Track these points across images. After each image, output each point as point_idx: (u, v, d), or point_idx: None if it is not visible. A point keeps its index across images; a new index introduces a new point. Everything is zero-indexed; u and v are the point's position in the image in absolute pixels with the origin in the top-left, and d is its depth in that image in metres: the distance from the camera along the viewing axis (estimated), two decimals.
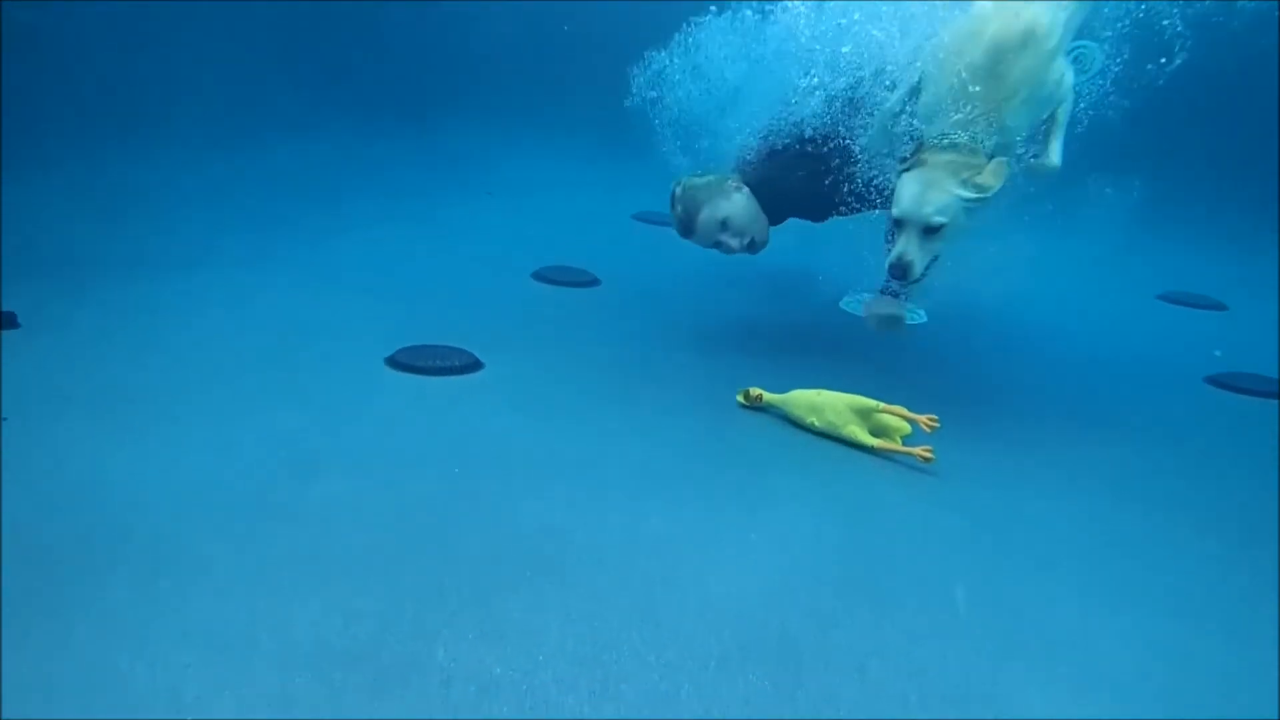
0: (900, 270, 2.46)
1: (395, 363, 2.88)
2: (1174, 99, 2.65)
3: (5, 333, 2.81)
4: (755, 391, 2.75)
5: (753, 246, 3.07)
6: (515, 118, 5.97)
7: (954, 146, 2.41)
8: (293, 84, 5.50)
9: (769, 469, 2.45)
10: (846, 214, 2.92)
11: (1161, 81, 2.54)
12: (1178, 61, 2.51)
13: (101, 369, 2.71)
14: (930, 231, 2.42)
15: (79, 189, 4.21)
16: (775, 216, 3.15)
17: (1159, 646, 1.83)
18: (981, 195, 2.38)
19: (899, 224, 2.46)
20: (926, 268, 2.52)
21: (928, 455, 2.44)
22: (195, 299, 3.36)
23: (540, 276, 3.90)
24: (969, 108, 2.39)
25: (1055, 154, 2.42)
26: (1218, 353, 3.24)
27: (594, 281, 3.91)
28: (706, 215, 2.98)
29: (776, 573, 1.96)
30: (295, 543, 1.94)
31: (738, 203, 3.01)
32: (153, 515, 2.00)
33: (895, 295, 2.79)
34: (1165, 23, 2.49)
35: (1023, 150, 2.53)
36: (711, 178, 3.04)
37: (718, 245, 3.06)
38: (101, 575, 1.78)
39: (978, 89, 2.37)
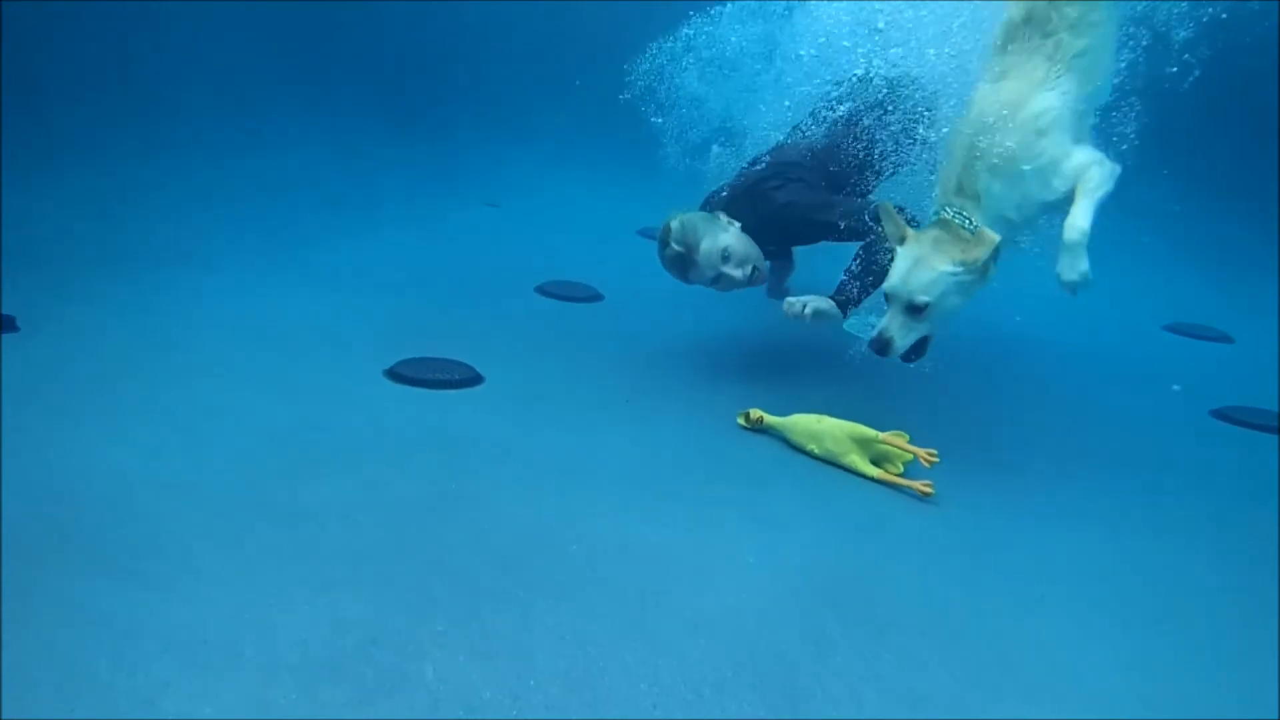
0: (880, 346, 2.42)
1: (395, 375, 2.86)
2: (1181, 130, 2.64)
3: (5, 335, 2.79)
4: (756, 413, 2.72)
5: (755, 277, 3.00)
6: (522, 129, 5.98)
7: (943, 223, 2.40)
8: (298, 88, 5.52)
9: (767, 488, 2.42)
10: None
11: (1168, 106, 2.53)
12: (1195, 73, 2.49)
13: (95, 367, 2.70)
14: (915, 310, 2.38)
15: (78, 188, 4.20)
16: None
17: (1158, 677, 1.79)
18: (970, 268, 2.34)
19: (886, 299, 2.45)
20: (922, 346, 2.50)
21: (928, 490, 2.40)
22: (194, 300, 3.35)
23: (543, 291, 3.89)
24: (955, 184, 2.40)
25: (1072, 225, 2.28)
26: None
27: (597, 297, 3.90)
28: (708, 246, 2.89)
29: (773, 592, 1.93)
30: (284, 547, 1.92)
31: (734, 234, 2.96)
32: (141, 515, 1.98)
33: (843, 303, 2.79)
34: (1175, 35, 2.49)
35: (1026, 234, 2.51)
36: (699, 214, 2.99)
37: (718, 280, 2.96)
38: (87, 577, 1.75)
39: (959, 165, 2.40)
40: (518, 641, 1.69)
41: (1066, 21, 2.36)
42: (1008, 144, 2.35)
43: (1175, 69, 2.54)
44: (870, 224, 2.72)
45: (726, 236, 2.92)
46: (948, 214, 2.40)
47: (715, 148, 3.27)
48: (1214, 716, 1.70)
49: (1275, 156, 4.46)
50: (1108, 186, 2.36)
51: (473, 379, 2.90)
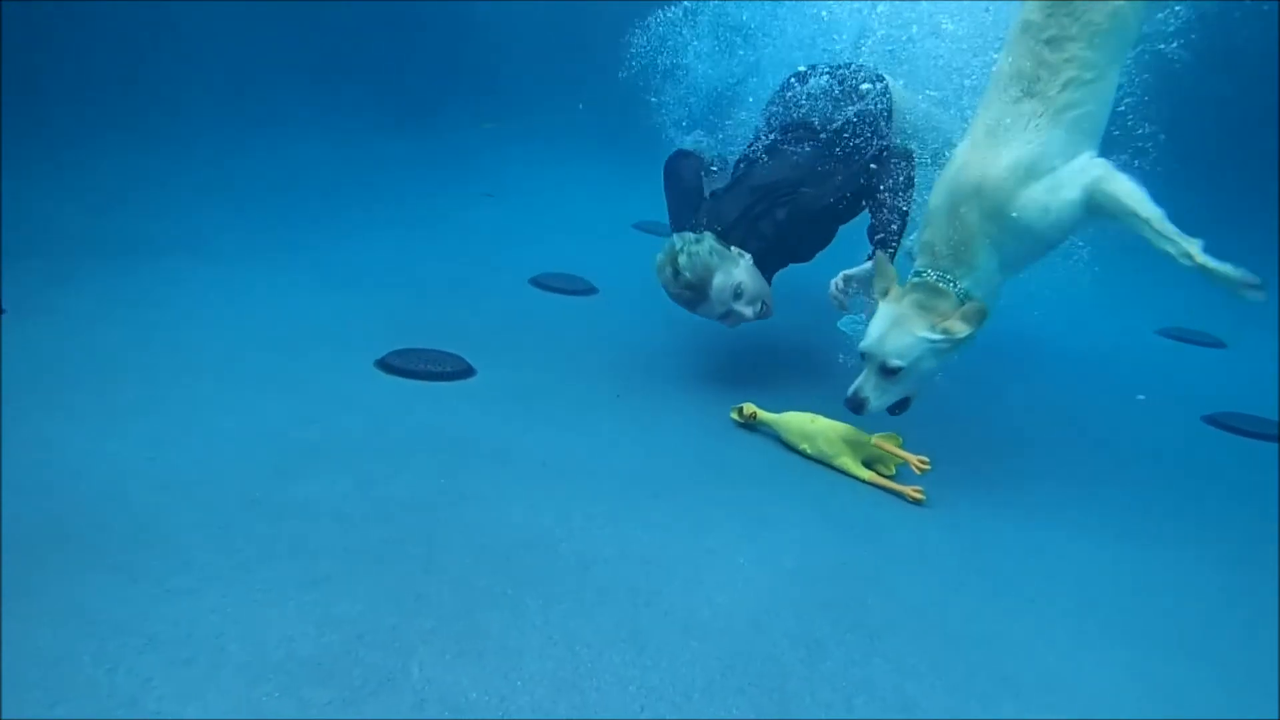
0: (854, 405, 2.39)
1: (386, 365, 2.83)
2: (1174, 132, 2.62)
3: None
4: (750, 409, 2.71)
5: (763, 312, 2.87)
6: (519, 120, 5.94)
7: (926, 286, 2.34)
8: (297, 81, 5.48)
9: (761, 487, 2.41)
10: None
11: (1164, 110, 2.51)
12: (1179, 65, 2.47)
13: (88, 357, 2.66)
14: (889, 372, 2.35)
15: (76, 179, 4.16)
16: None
17: (1152, 683, 1.79)
18: (949, 340, 2.30)
19: (862, 356, 2.41)
20: (903, 404, 2.46)
21: (918, 496, 2.39)
22: (186, 290, 3.31)
23: (538, 283, 3.86)
24: (940, 245, 2.34)
25: (1192, 249, 2.17)
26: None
27: (591, 290, 3.88)
28: (721, 282, 2.73)
29: (765, 594, 1.92)
30: (274, 542, 1.89)
31: (745, 269, 2.80)
32: (132, 509, 1.95)
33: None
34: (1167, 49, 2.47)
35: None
36: (710, 243, 2.78)
37: (727, 316, 2.83)
38: (75, 571, 1.72)
39: (944, 227, 2.33)
40: (506, 641, 1.67)
41: (1057, 81, 2.25)
42: (988, 202, 2.27)
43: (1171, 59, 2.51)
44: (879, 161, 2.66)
45: (739, 272, 2.78)
46: (931, 276, 2.34)
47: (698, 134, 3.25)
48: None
49: (1272, 160, 4.46)
50: (1140, 191, 2.24)
51: (464, 371, 2.87)
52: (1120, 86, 2.40)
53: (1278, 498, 2.63)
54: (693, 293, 2.77)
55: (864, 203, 2.81)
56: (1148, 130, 2.47)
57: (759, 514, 2.26)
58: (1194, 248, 2.18)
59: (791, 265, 3.13)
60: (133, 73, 4.73)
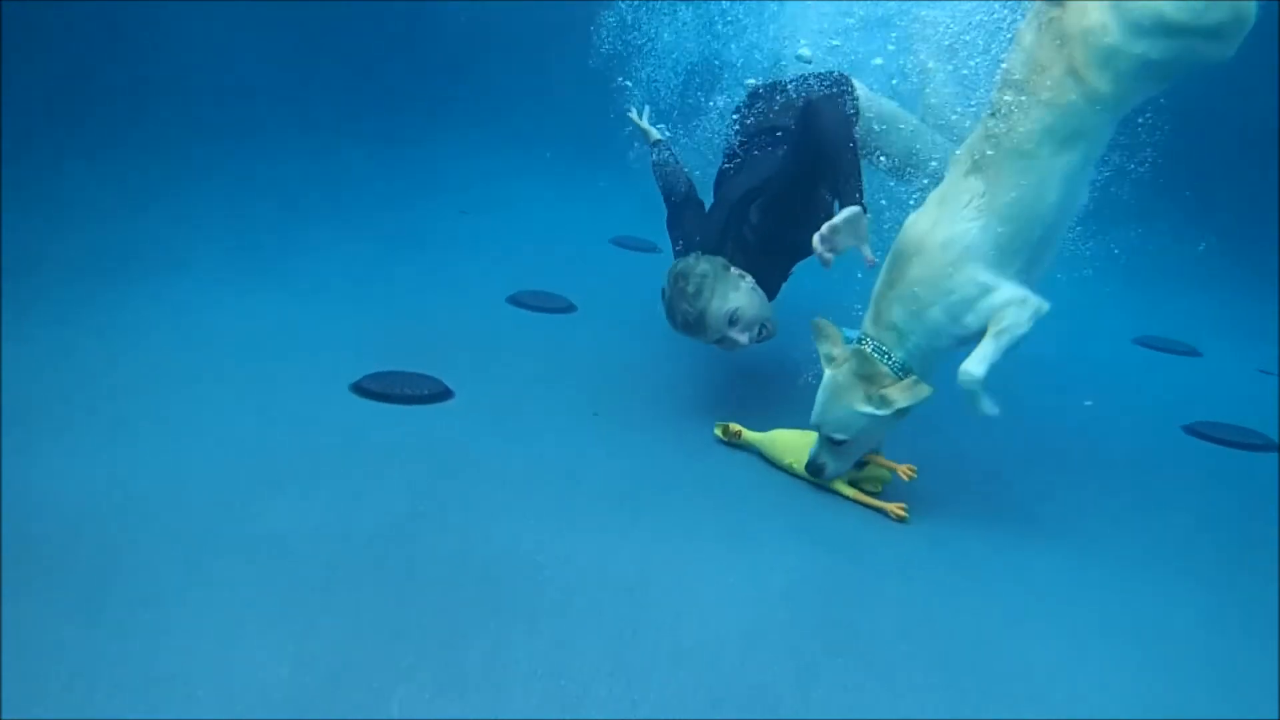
0: (814, 470, 2.43)
1: (361, 389, 2.77)
2: (1148, 143, 2.62)
3: None
4: (735, 428, 2.68)
5: (763, 335, 2.76)
6: (495, 135, 5.91)
7: (860, 354, 2.31)
8: (270, 93, 5.42)
9: (747, 505, 2.38)
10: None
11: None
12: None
13: (50, 381, 2.58)
14: (836, 443, 2.37)
15: (40, 193, 4.05)
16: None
17: (1144, 696, 1.78)
18: (885, 412, 2.27)
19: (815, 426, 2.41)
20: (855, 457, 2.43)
21: (901, 513, 2.37)
22: (159, 309, 3.23)
23: (515, 301, 3.81)
24: (874, 312, 2.33)
25: (964, 369, 2.16)
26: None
27: (570, 308, 3.83)
28: (716, 308, 2.62)
29: (754, 617, 1.88)
30: (245, 573, 1.83)
31: (745, 292, 2.68)
32: (99, 540, 1.89)
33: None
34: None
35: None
36: (708, 264, 2.67)
37: (721, 342, 2.72)
38: (41, 605, 1.66)
39: (879, 293, 2.31)
40: (489, 676, 1.62)
41: (996, 163, 2.17)
42: (916, 274, 2.24)
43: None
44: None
45: (737, 296, 2.65)
46: (868, 346, 2.32)
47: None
48: None
49: (1273, 161, 4.47)
50: (1022, 329, 2.20)
51: (441, 393, 2.82)
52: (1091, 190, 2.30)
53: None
54: (688, 323, 2.67)
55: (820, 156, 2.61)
56: (1147, 128, 2.45)
57: (744, 532, 2.22)
58: (978, 369, 2.17)
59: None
60: (95, 85, 4.65)
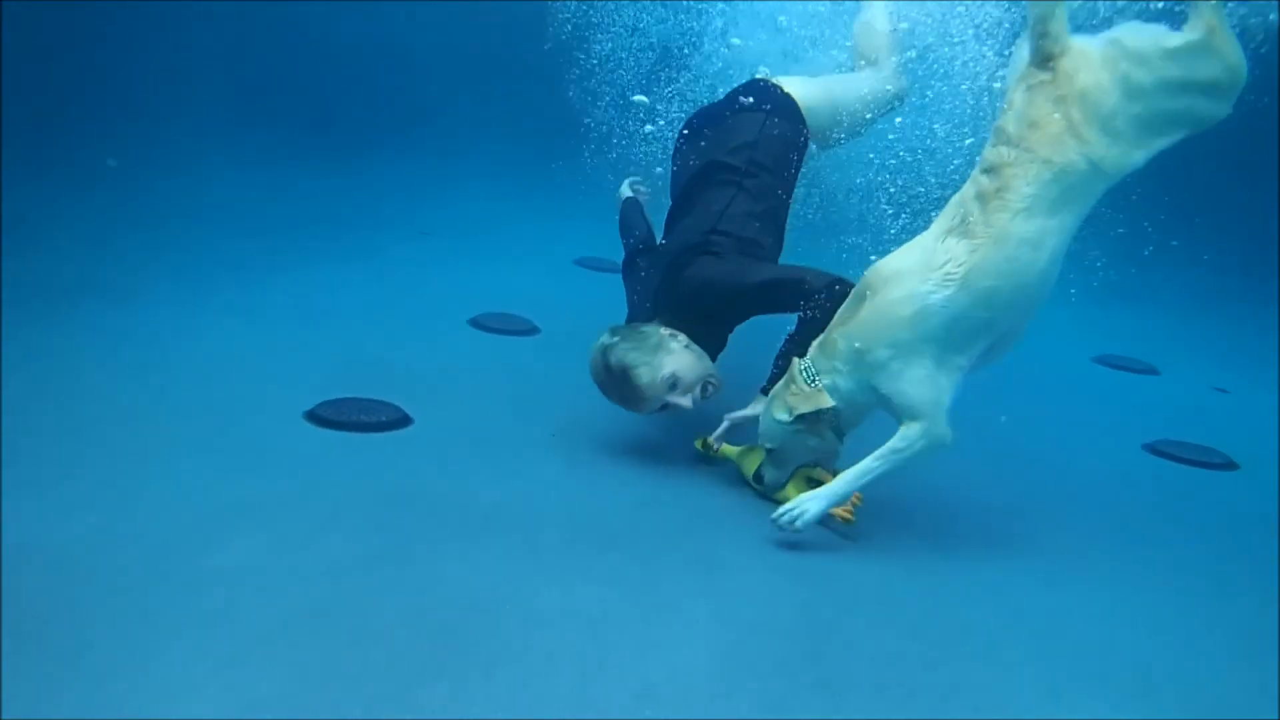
0: (756, 479, 2.50)
1: (315, 418, 2.68)
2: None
3: None
4: (713, 441, 2.65)
5: (709, 393, 2.64)
6: (457, 154, 5.85)
7: (792, 372, 2.33)
8: (223, 113, 5.31)
9: (713, 531, 2.33)
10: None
11: None
12: None
13: None
14: (770, 451, 2.43)
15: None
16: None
17: None
18: (790, 419, 2.28)
19: None
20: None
21: (848, 516, 2.36)
22: (111, 337, 3.12)
23: (477, 324, 3.74)
24: (825, 334, 2.32)
25: (843, 474, 2.25)
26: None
27: (533, 330, 3.77)
28: (648, 379, 2.48)
29: (722, 653, 1.82)
30: (192, 616, 1.75)
31: (678, 353, 2.54)
32: (34, 584, 1.78)
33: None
34: None
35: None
36: (631, 336, 2.55)
37: (665, 409, 2.59)
38: None
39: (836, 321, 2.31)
40: None
41: (983, 233, 2.11)
42: (866, 316, 2.21)
43: None
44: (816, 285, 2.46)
45: (671, 360, 2.50)
46: (804, 364, 2.33)
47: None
48: None
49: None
50: (907, 456, 2.18)
51: (400, 420, 2.74)
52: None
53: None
54: (625, 400, 2.57)
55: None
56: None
57: (712, 560, 2.17)
58: (815, 506, 2.24)
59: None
60: (43, 114, 4.52)
